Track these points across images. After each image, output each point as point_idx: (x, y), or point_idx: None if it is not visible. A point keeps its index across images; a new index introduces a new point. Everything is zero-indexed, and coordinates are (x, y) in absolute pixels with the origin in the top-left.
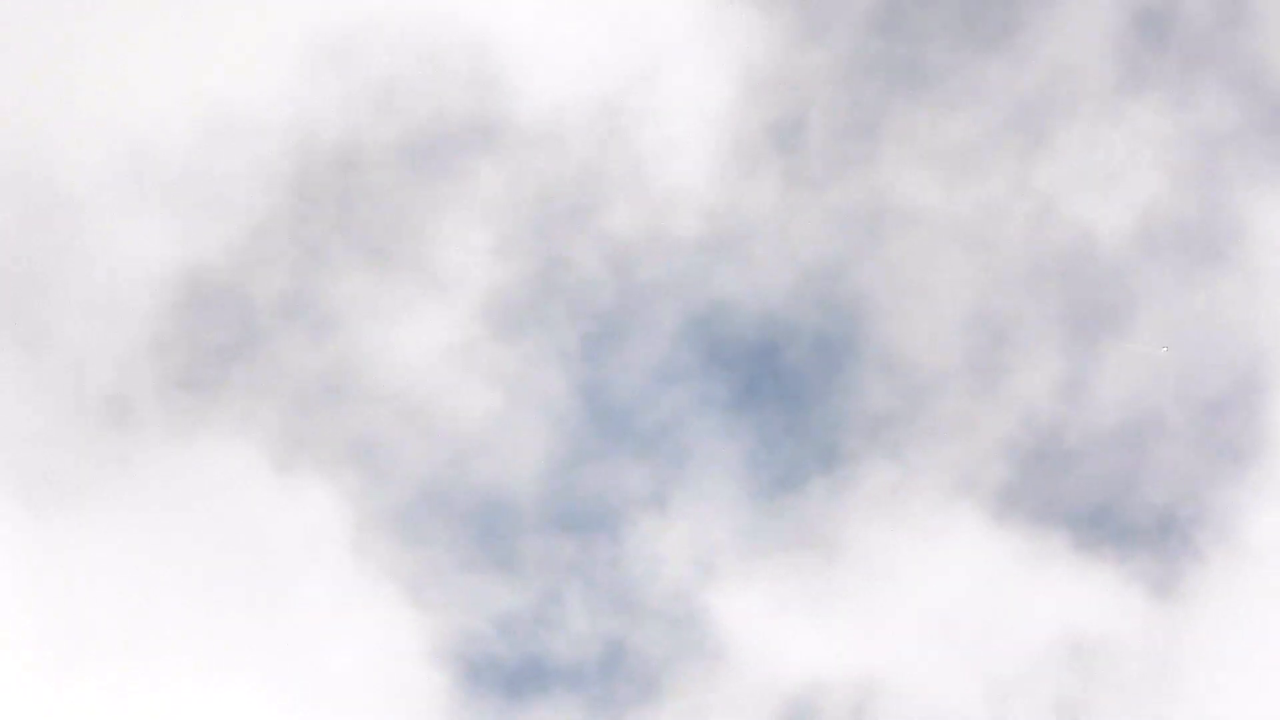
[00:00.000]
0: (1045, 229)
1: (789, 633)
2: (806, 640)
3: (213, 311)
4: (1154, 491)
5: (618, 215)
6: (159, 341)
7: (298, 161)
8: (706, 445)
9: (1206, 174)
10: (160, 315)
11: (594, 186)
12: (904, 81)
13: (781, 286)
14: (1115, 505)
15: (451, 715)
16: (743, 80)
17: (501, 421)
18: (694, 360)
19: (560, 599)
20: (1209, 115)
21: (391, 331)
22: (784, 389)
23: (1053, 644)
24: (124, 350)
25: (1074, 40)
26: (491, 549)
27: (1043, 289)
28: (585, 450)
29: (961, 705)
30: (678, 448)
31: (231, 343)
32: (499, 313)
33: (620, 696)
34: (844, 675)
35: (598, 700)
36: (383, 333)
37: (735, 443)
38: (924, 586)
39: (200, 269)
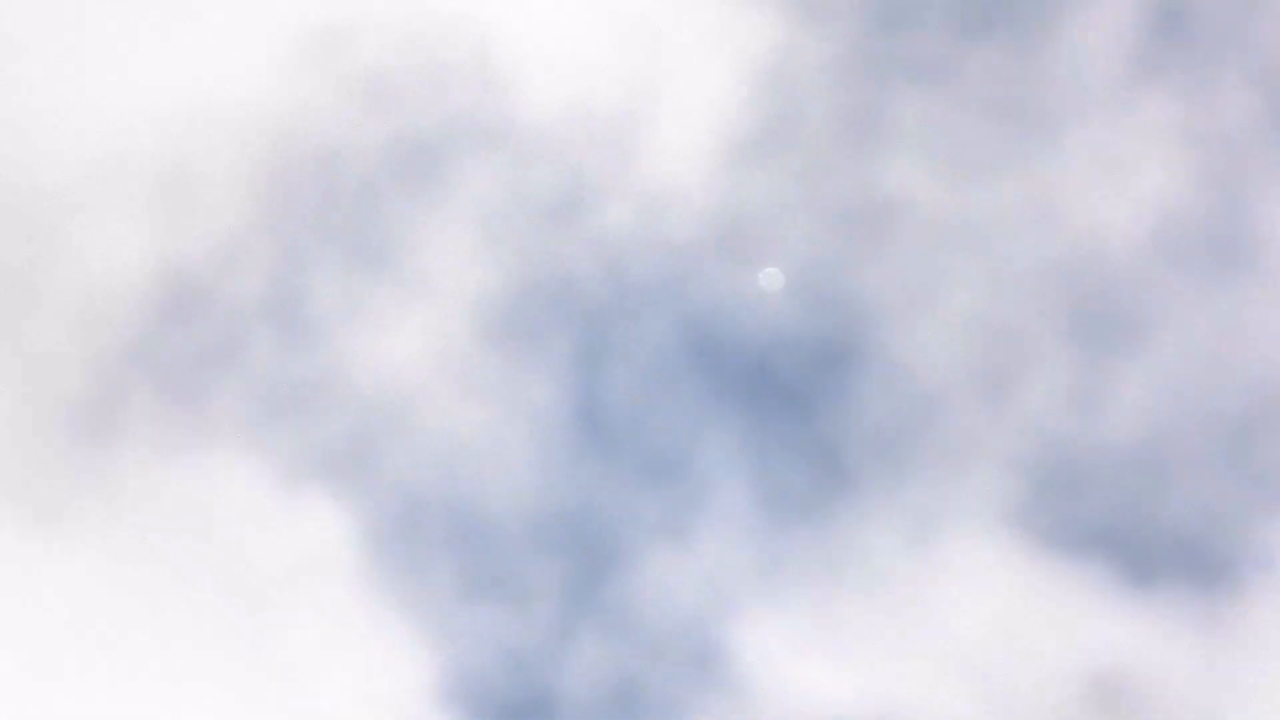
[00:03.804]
0: (1055, 231)
1: (806, 666)
2: (824, 674)
3: (192, 316)
4: (1184, 516)
5: (613, 217)
6: (136, 347)
7: (281, 160)
8: (712, 464)
9: (1228, 172)
10: (137, 319)
11: (589, 188)
12: (905, 76)
13: (783, 292)
14: (1142, 530)
15: None
16: (739, 77)
17: (498, 436)
18: (697, 371)
19: (564, 630)
20: (1230, 109)
21: (380, 338)
22: (791, 401)
23: (1082, 680)
24: (99, 356)
25: (1084, 29)
26: (488, 575)
27: (1052, 295)
28: (587, 469)
29: None
30: (681, 466)
31: (212, 349)
32: (492, 320)
33: None
34: (864, 710)
35: None
36: (371, 339)
37: (741, 461)
38: (944, 616)
39: (178, 271)
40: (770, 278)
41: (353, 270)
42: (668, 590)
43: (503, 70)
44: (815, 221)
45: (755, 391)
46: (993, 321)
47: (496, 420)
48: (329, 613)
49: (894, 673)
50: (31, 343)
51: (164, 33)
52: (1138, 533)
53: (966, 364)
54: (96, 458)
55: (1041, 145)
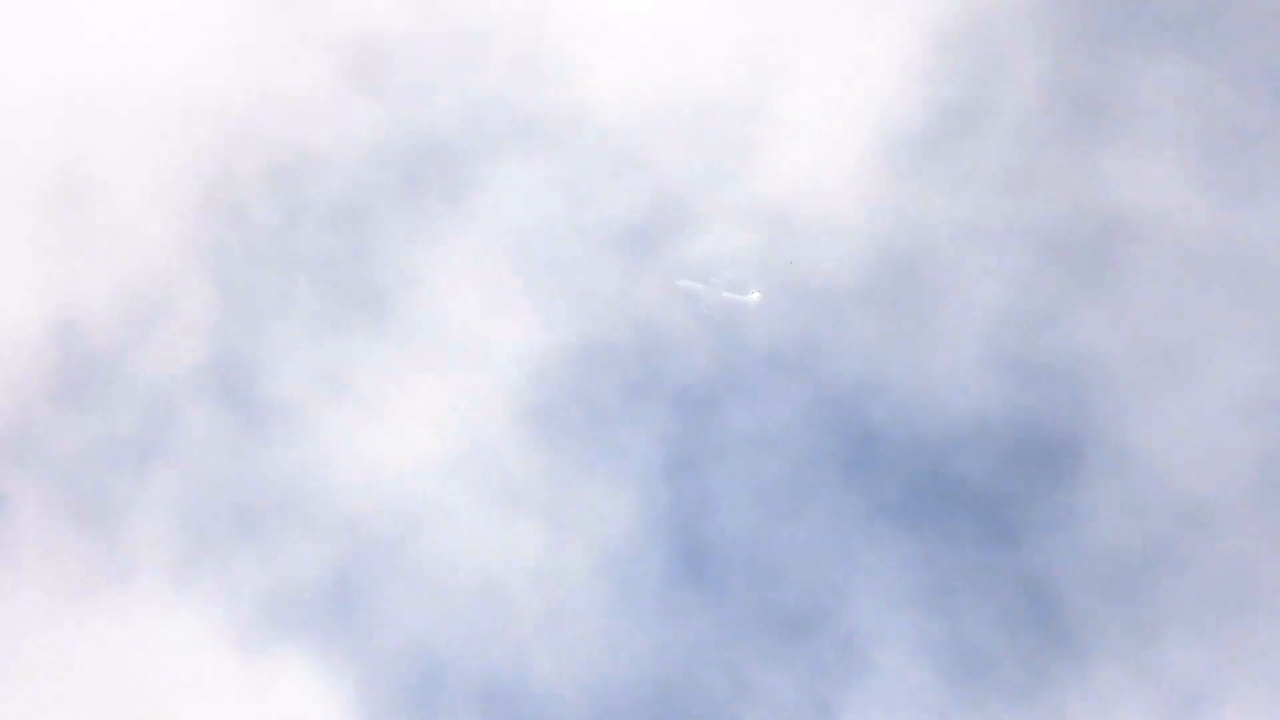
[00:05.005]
0: None
1: None
2: None
3: (99, 395)
4: None
5: (717, 249)
6: (21, 441)
7: (228, 167)
8: (868, 614)
9: None
10: (23, 400)
11: (682, 207)
12: (1144, 43)
13: (964, 352)
14: None
15: None
16: (904, 50)
17: (547, 572)
18: (842, 476)
19: None
20: None
21: (374, 429)
22: (983, 518)
23: None
24: None
25: None
26: None
27: None
28: (681, 622)
29: None
30: (822, 617)
31: (129, 445)
32: (538, 400)
33: None
34: None
35: None
36: (360, 431)
37: (911, 610)
38: None
39: (79, 330)
40: (754, 297)
41: (334, 328)
42: None
43: (558, 46)
44: (1013, 250)
45: (931, 505)
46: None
47: (545, 548)
48: None
49: None
50: None
51: None
52: None
53: (1245, 460)
54: None
55: None
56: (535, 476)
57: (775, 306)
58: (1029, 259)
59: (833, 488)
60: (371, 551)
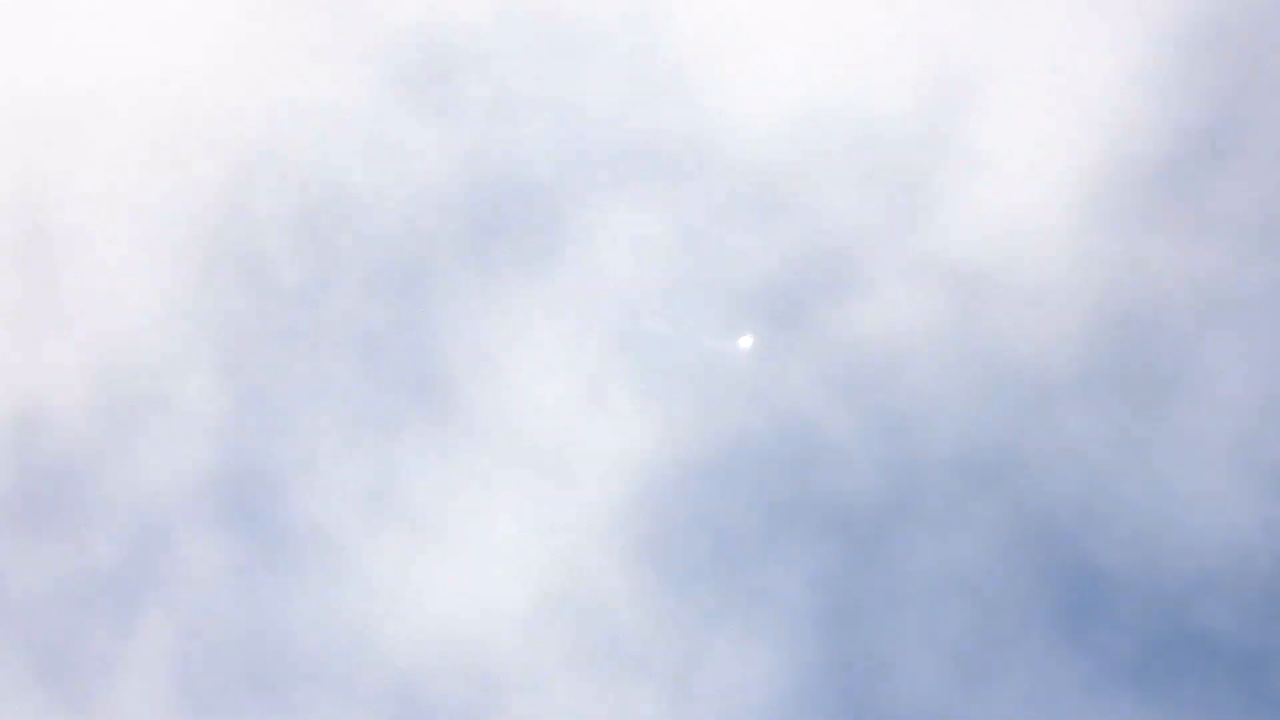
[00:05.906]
0: None
1: None
2: None
3: (73, 512)
4: None
5: (887, 318)
6: None
7: (242, 205)
8: None
9: None
10: None
11: (842, 266)
12: None
13: (1213, 459)
14: None
15: None
16: (1136, 52)
17: None
18: (1048, 620)
19: None
20: None
21: (432, 559)
22: (1230, 680)
23: None
24: None
25: None
26: None
27: None
28: None
29: None
30: None
31: (113, 574)
32: (651, 522)
33: None
34: None
35: None
36: (414, 561)
37: None
38: None
39: (46, 426)
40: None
41: (382, 427)
42: None
43: (681, 55)
44: (1277, 321)
45: (1171, 664)
46: None
47: (661, 710)
48: None
49: None
50: None
51: None
52: None
53: None
54: None
55: None
56: (649, 627)
57: (963, 398)
58: None
59: (1042, 641)
60: (422, 711)
